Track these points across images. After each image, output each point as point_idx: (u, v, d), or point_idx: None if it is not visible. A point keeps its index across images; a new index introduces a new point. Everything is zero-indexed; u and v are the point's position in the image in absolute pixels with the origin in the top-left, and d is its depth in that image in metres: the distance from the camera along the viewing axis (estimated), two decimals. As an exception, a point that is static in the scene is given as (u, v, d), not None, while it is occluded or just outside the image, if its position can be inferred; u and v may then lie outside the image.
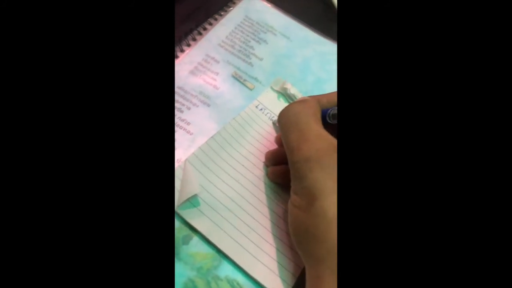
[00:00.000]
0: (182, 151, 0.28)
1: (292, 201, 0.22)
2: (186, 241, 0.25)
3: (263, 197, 0.27)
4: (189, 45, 0.34)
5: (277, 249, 0.25)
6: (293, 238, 0.22)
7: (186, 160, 0.27)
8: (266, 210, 0.27)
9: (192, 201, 0.26)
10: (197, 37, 0.35)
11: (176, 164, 0.27)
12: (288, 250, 0.25)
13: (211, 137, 0.29)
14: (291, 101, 0.33)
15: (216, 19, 0.36)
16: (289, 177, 0.27)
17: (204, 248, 0.25)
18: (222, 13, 0.37)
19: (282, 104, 0.33)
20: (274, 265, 0.25)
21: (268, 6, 0.39)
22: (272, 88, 0.33)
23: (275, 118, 0.32)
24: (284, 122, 0.24)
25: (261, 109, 0.32)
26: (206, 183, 0.27)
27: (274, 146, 0.30)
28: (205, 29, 0.36)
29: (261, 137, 0.30)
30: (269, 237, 0.26)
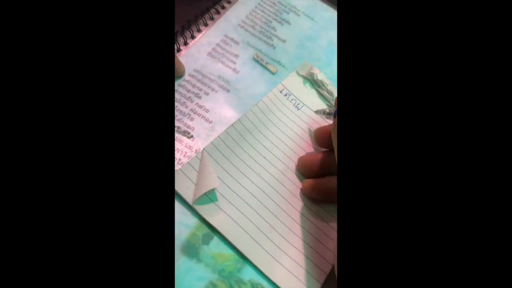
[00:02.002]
0: (201, 141, 0.26)
1: None
2: (207, 240, 0.23)
3: (285, 192, 0.25)
4: (206, 25, 0.31)
5: (301, 252, 0.23)
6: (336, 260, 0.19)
7: (203, 149, 0.25)
8: (288, 208, 0.24)
9: (210, 195, 0.23)
10: (215, 16, 0.32)
11: (193, 154, 0.25)
12: (313, 253, 0.23)
13: (231, 125, 0.26)
14: (318, 88, 0.30)
15: (235, -3, 0.33)
16: (327, 192, 0.24)
17: (226, 249, 0.22)
18: (242, -10, 0.34)
19: (309, 90, 0.30)
20: (297, 269, 0.22)
21: (292, -17, 0.36)
22: (297, 72, 0.30)
23: (301, 105, 0.29)
24: None
25: (285, 95, 0.29)
26: (224, 175, 0.24)
27: (299, 137, 0.28)
28: (223, 7, 0.33)
29: (285, 126, 0.28)
30: (292, 238, 0.23)
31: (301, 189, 0.25)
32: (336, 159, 0.20)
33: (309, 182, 0.25)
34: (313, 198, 0.25)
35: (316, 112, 0.28)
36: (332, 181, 0.24)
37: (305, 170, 0.25)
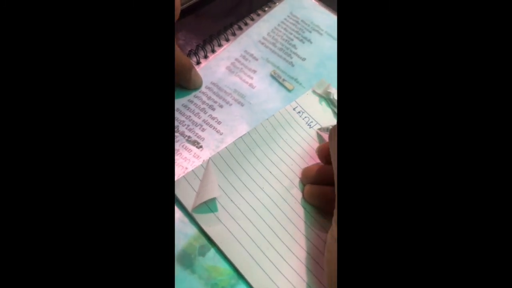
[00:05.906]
0: (210, 152, 0.26)
1: (334, 234, 0.18)
2: (203, 252, 0.22)
3: (288, 210, 0.24)
4: (227, 40, 0.32)
5: (296, 272, 0.22)
6: (328, 280, 0.19)
7: (209, 158, 0.25)
8: (289, 226, 0.23)
9: (210, 205, 0.23)
10: (237, 32, 0.33)
11: (199, 163, 0.25)
12: (309, 276, 0.22)
13: (240, 137, 0.26)
14: (334, 107, 0.29)
15: (259, 15, 0.34)
16: (328, 200, 0.23)
17: (222, 263, 0.22)
18: (266, 9, 0.35)
19: (324, 109, 0.29)
20: (292, 291, 0.21)
21: (316, 3, 0.36)
22: (314, 91, 0.30)
23: (314, 123, 0.28)
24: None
25: (299, 112, 0.29)
26: (227, 186, 0.24)
27: (308, 155, 0.27)
28: (246, 24, 0.33)
29: (294, 143, 0.27)
30: (289, 258, 0.22)
31: (303, 194, 0.25)
32: (334, 171, 0.19)
33: (310, 186, 0.25)
34: (313, 204, 0.25)
35: (320, 129, 0.28)
36: (332, 191, 0.23)
37: (306, 178, 0.25)
